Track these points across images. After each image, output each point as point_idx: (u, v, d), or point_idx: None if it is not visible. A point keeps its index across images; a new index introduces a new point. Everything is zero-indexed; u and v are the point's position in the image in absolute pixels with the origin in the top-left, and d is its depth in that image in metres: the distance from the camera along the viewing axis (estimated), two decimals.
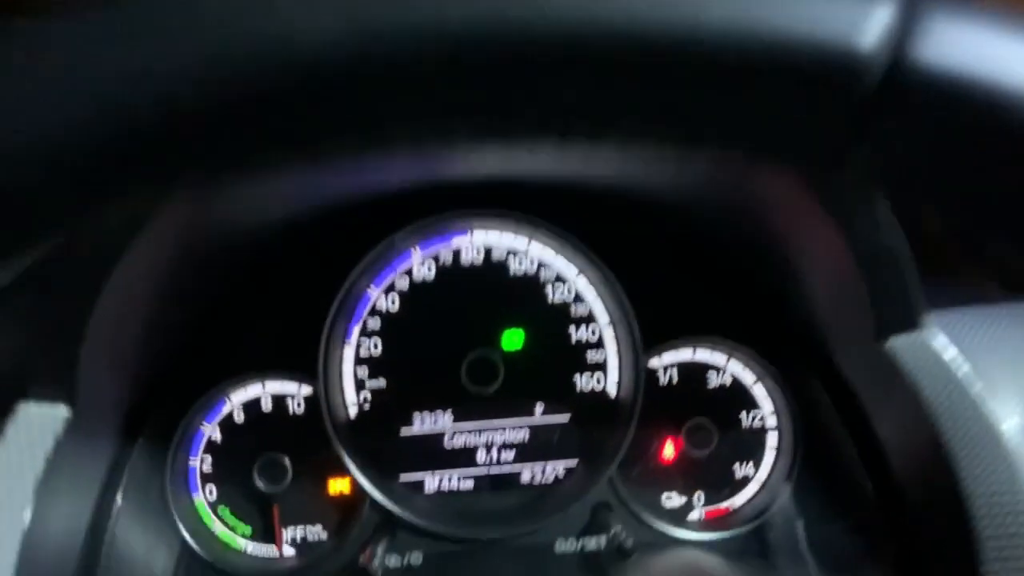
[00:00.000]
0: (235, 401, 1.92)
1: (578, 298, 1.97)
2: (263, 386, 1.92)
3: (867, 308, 1.49)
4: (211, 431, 1.93)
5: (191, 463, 1.92)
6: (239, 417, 1.93)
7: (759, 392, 1.98)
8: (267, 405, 1.93)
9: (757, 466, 1.97)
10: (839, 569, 1.69)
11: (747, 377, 1.98)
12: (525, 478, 1.95)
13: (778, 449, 1.97)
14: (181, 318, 1.84)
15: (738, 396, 1.97)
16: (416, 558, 1.85)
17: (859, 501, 1.77)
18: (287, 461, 1.89)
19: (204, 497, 1.92)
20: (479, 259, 1.98)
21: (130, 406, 1.77)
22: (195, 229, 1.55)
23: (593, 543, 1.86)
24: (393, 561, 1.85)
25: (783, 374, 1.93)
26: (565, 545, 1.86)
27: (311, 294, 1.91)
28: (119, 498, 1.72)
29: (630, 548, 1.65)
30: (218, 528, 1.92)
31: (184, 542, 1.86)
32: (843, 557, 1.72)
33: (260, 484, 1.88)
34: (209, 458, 1.92)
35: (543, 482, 1.96)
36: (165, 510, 1.86)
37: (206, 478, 1.92)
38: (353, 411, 1.94)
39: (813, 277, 1.68)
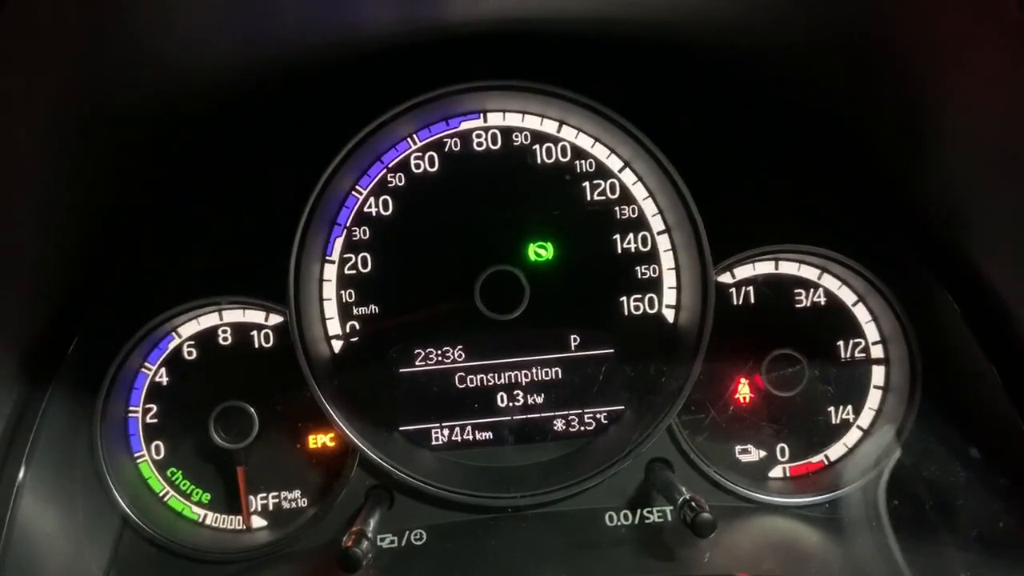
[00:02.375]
0: (184, 334, 1.53)
1: (624, 197, 1.55)
2: (220, 315, 1.53)
3: None
4: (155, 372, 1.53)
5: (131, 413, 1.53)
6: (190, 354, 1.53)
7: (861, 314, 1.55)
8: (226, 339, 1.53)
9: (858, 410, 1.55)
10: (987, 551, 1.25)
11: (846, 295, 1.55)
12: (558, 428, 1.56)
13: (886, 387, 1.53)
14: (111, 222, 1.40)
15: (834, 320, 1.55)
16: (419, 536, 1.42)
17: (1010, 455, 1.33)
18: (253, 410, 1.50)
19: (149, 456, 1.53)
20: (496, 149, 1.54)
21: (40, 340, 1.35)
22: (120, 84, 1.10)
23: (656, 515, 1.42)
24: (389, 541, 1.42)
25: (894, 289, 1.48)
26: (619, 517, 1.43)
27: (279, 197, 1.48)
28: (22, 467, 1.31)
29: (710, 521, 1.20)
30: (168, 495, 1.53)
31: (123, 515, 1.45)
32: (991, 532, 1.27)
33: (220, 439, 1.50)
34: (154, 407, 1.53)
35: (582, 432, 1.55)
36: (96, 475, 1.45)
37: (151, 432, 1.53)
38: (337, 345, 1.55)
39: (969, 131, 1.20)
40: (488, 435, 1.54)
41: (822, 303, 1.54)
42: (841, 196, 1.52)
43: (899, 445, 1.46)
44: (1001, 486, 1.32)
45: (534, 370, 1.54)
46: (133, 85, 1.14)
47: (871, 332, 1.54)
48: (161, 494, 1.52)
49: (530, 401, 1.54)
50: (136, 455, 1.52)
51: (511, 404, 1.54)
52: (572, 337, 1.54)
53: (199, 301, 1.49)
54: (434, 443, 1.55)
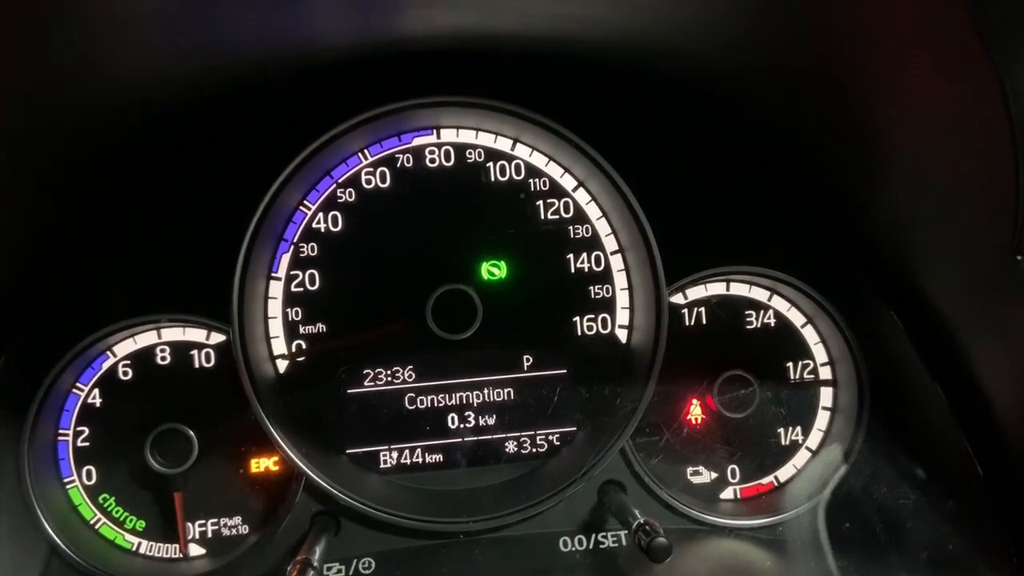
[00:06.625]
0: (120, 353, 1.46)
1: (578, 217, 1.53)
2: (158, 334, 1.47)
3: (1009, 201, 1.04)
4: (88, 394, 1.45)
5: (60, 437, 1.45)
6: (126, 375, 1.46)
7: (810, 336, 1.56)
8: (164, 358, 1.47)
9: (807, 431, 1.56)
10: (937, 574, 1.26)
11: (795, 316, 1.56)
12: (511, 449, 1.53)
13: (834, 409, 1.55)
14: (43, 236, 1.33)
15: (784, 341, 1.56)
16: (367, 565, 1.38)
17: (957, 477, 1.35)
18: (192, 433, 1.44)
19: (80, 482, 1.46)
20: (449, 166, 1.51)
21: None
22: (56, 92, 1.04)
23: (610, 540, 1.40)
24: (336, 570, 1.37)
25: (842, 310, 1.50)
26: (573, 542, 1.41)
27: (223, 210, 1.43)
28: None
29: (666, 546, 1.19)
30: (99, 522, 1.46)
31: (52, 543, 1.38)
32: (941, 555, 1.29)
33: (156, 464, 1.43)
34: (86, 430, 1.45)
35: (534, 454, 1.52)
36: (22, 502, 1.37)
37: (82, 456, 1.45)
38: (282, 365, 1.50)
39: (913, 155, 1.21)
40: (438, 457, 1.51)
41: (772, 324, 1.55)
42: (791, 218, 1.53)
43: (847, 466, 1.48)
44: (950, 508, 1.33)
45: (486, 391, 1.51)
46: (70, 94, 1.08)
47: (819, 353, 1.55)
48: (92, 521, 1.45)
49: (482, 422, 1.51)
50: (66, 480, 1.44)
51: (462, 426, 1.51)
52: (525, 357, 1.52)
53: (136, 318, 1.42)
54: (383, 466, 1.50)
